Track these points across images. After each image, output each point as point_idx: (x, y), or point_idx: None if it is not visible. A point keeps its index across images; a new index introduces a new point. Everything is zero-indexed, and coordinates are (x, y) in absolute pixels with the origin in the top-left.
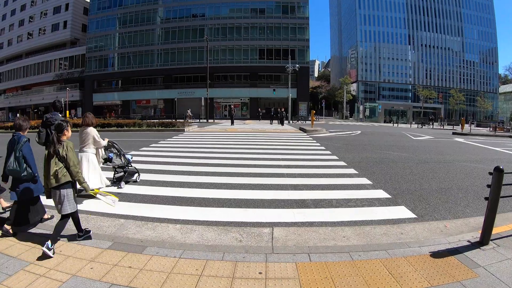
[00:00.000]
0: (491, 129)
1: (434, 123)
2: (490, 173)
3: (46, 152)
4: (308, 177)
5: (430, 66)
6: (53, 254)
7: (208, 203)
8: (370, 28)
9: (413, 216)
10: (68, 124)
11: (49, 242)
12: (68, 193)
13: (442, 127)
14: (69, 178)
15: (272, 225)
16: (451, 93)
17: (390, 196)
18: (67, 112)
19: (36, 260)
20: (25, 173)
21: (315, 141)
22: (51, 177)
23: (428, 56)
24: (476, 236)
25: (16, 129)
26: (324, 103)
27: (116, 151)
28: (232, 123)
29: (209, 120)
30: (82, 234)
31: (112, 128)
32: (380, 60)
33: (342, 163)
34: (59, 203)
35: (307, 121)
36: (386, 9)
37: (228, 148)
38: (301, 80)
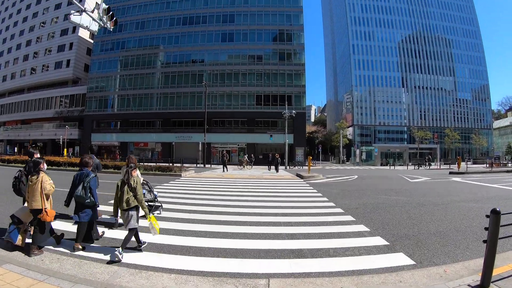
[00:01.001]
0: (487, 165)
1: (431, 163)
2: (487, 216)
3: (120, 182)
4: (305, 226)
5: (424, 107)
6: (122, 258)
7: (204, 252)
8: (364, 72)
9: (412, 262)
10: (136, 166)
11: (120, 249)
12: (134, 214)
13: (438, 167)
14: (136, 203)
15: (268, 276)
16: (446, 133)
17: (388, 243)
18: (65, 150)
19: (107, 263)
20: (88, 200)
21: (312, 188)
22: (124, 202)
23: (422, 97)
24: (476, 279)
25: (83, 166)
26: (320, 148)
27: (148, 188)
28: (225, 169)
29: (206, 165)
30: (141, 245)
31: (109, 170)
32: (375, 104)
33: (339, 210)
34: (127, 220)
35: (304, 167)
36: (379, 53)
37: (224, 195)
38: (297, 126)
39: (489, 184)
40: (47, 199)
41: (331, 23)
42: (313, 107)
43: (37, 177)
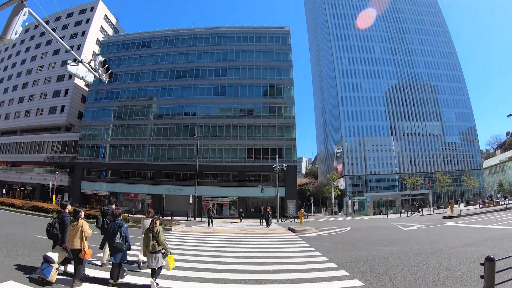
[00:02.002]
0: (480, 205)
1: (424, 209)
2: (482, 264)
3: (145, 230)
4: (298, 283)
5: (413, 153)
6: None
7: None
8: (353, 123)
9: None
10: (158, 217)
11: (153, 279)
12: (159, 256)
13: (432, 212)
14: (159, 248)
15: None
16: (437, 177)
17: None
18: (54, 196)
19: None
20: (125, 245)
21: (304, 242)
22: (150, 247)
23: (411, 144)
24: None
25: (116, 217)
26: (312, 200)
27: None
28: (210, 223)
29: (197, 219)
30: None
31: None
32: (365, 153)
33: (332, 265)
34: (153, 261)
35: (296, 220)
36: (368, 104)
37: (215, 251)
38: (289, 179)
39: (484, 226)
40: (86, 241)
41: (320, 75)
42: (304, 159)
43: (77, 223)
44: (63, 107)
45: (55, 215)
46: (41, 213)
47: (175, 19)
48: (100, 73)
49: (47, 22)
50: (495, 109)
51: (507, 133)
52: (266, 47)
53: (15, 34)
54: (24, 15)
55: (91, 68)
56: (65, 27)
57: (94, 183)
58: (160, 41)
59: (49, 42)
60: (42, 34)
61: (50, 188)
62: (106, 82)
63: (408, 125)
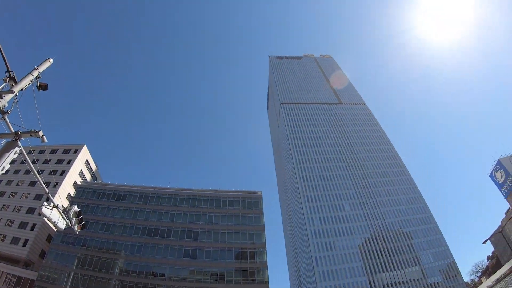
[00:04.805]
0: None
1: None
2: None
3: None
4: None
5: None
6: None
7: None
8: (330, 283)
9: None
10: None
11: None
12: None
13: None
14: None
15: None
16: None
17: None
18: None
19: None
20: None
21: None
22: None
23: None
24: None
25: None
26: None
27: None
28: None
29: None
30: None
31: None
32: None
33: None
34: None
35: None
36: (343, 261)
37: None
38: None
39: None
40: None
41: (292, 236)
42: None
43: None
44: (26, 240)
45: None
46: None
47: (152, 176)
48: (73, 222)
49: (29, 152)
50: (471, 237)
51: (488, 257)
52: (239, 211)
53: (2, 170)
54: (14, 153)
55: (65, 215)
56: (46, 161)
57: None
58: (135, 196)
59: (28, 172)
60: (23, 162)
61: None
62: (77, 232)
63: (387, 276)
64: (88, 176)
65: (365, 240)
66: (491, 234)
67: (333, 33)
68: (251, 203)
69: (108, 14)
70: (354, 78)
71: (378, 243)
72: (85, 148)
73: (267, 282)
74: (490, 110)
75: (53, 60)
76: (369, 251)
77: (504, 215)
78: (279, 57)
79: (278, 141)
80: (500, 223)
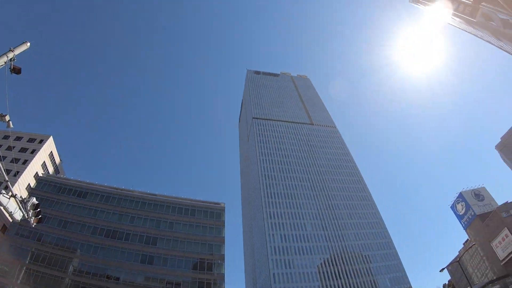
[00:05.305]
0: None
1: None
2: None
3: None
4: None
5: None
6: None
7: None
8: None
9: None
10: None
11: None
12: None
13: None
14: None
15: None
16: None
17: None
18: None
19: None
20: None
21: None
22: None
23: None
24: None
25: None
26: None
27: None
28: None
29: None
30: None
31: None
32: None
33: None
34: None
35: None
36: (301, 280)
37: None
38: None
39: None
40: None
41: (252, 250)
42: None
43: None
44: None
45: None
46: None
47: (116, 177)
48: (30, 215)
49: None
50: (429, 265)
51: (444, 285)
52: (200, 221)
53: None
54: None
55: (23, 207)
56: (10, 148)
57: None
58: (96, 195)
59: None
60: None
61: None
62: (33, 226)
63: None
64: (50, 169)
65: (324, 261)
66: (448, 263)
67: (313, 55)
68: (213, 214)
69: (93, 7)
70: (328, 100)
71: (337, 265)
72: (51, 139)
73: None
74: (457, 143)
75: (30, 45)
76: (327, 272)
77: (463, 246)
78: (257, 72)
79: (246, 155)
80: (458, 253)
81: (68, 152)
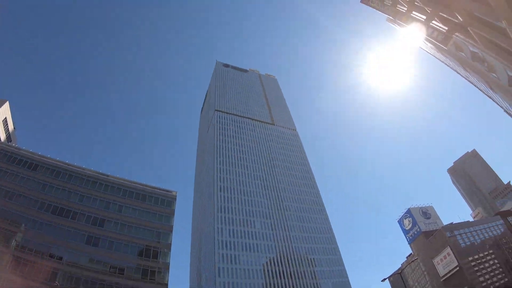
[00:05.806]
0: None
1: None
2: None
3: None
4: None
5: None
6: None
7: None
8: None
9: None
10: None
11: None
12: None
13: None
14: None
15: None
16: None
17: None
18: None
19: None
20: None
21: None
22: None
23: None
24: None
25: None
26: None
27: None
28: None
29: None
30: None
31: None
32: None
33: None
34: None
35: None
36: (245, 276)
37: None
38: None
39: None
40: None
41: (199, 245)
42: None
43: None
44: None
45: None
46: None
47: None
48: None
49: None
50: (372, 275)
51: None
52: (151, 207)
53: None
54: None
55: None
56: None
57: None
58: (47, 169)
59: None
60: None
61: None
62: None
63: None
64: (2, 136)
65: (270, 260)
66: (391, 274)
67: (284, 57)
68: (164, 201)
69: None
70: (293, 104)
71: (282, 265)
72: (7, 104)
73: (166, 284)
74: (410, 161)
75: None
76: (272, 271)
77: (406, 259)
78: (226, 65)
79: (203, 147)
80: (401, 265)
81: (24, 121)
